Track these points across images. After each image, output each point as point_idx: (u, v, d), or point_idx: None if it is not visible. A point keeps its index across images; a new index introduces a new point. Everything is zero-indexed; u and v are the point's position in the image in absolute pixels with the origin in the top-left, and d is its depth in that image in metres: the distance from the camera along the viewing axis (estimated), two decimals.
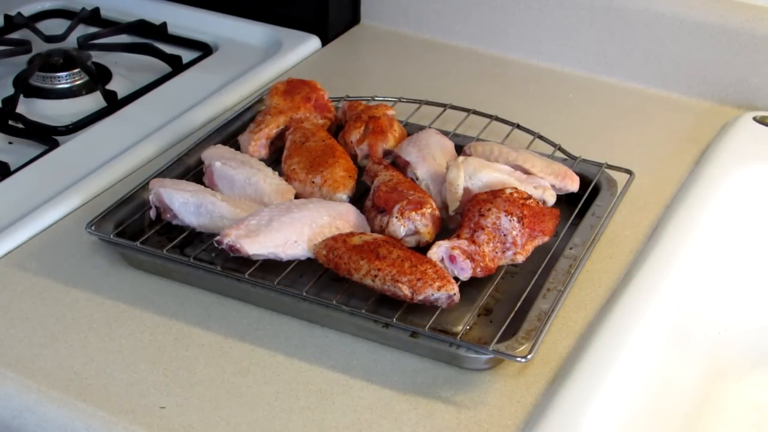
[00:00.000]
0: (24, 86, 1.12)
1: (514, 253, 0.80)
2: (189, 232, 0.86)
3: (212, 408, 0.71)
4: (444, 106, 1.04)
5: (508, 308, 0.78)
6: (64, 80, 1.14)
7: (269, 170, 0.90)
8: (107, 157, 0.99)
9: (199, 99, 1.10)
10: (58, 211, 0.91)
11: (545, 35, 1.20)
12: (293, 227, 0.80)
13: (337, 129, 0.99)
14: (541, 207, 0.83)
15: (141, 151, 1.00)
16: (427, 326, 0.74)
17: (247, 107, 1.04)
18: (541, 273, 0.80)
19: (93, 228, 0.84)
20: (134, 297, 0.82)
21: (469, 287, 0.80)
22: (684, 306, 0.85)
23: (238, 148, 0.96)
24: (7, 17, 1.29)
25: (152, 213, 0.87)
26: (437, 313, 0.76)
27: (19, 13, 1.30)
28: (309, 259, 0.81)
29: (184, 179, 0.91)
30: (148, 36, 1.26)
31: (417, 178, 0.89)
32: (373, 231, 0.84)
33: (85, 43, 1.22)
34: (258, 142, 0.95)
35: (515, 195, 0.81)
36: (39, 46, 1.21)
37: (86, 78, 1.15)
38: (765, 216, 0.96)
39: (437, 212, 0.83)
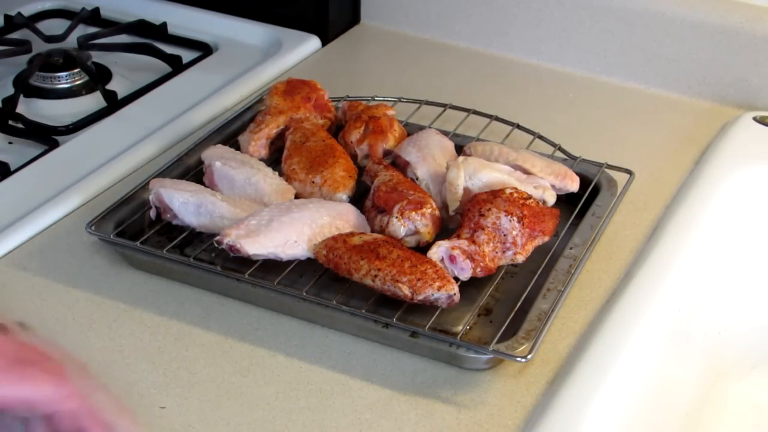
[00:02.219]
0: (24, 86, 1.11)
1: (514, 253, 0.80)
2: (189, 232, 0.86)
3: (212, 408, 0.71)
4: (444, 106, 1.04)
5: (508, 308, 0.78)
6: (64, 80, 1.14)
7: (269, 170, 0.90)
8: (107, 157, 0.99)
9: (199, 99, 1.10)
10: (58, 211, 0.91)
11: (545, 35, 1.20)
12: (293, 227, 0.80)
13: (337, 129, 0.99)
14: (541, 207, 0.83)
15: (141, 151, 1.00)
16: (427, 326, 0.74)
17: (247, 107, 1.04)
18: (541, 273, 0.80)
19: (93, 228, 0.84)
20: (134, 297, 0.82)
21: (469, 287, 0.80)
22: (684, 306, 0.85)
23: (238, 148, 0.96)
24: (7, 17, 1.29)
25: (152, 213, 0.87)
26: (437, 313, 0.76)
27: (19, 13, 1.30)
28: (309, 259, 0.81)
29: (184, 179, 0.91)
30: (148, 36, 1.26)
31: (417, 178, 0.89)
32: (373, 231, 0.84)
33: (85, 43, 1.22)
34: (258, 142, 0.95)
35: (515, 195, 0.81)
36: (39, 46, 1.21)
37: (86, 78, 1.15)
38: (765, 216, 0.96)
39: (437, 212, 0.83)
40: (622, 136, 1.06)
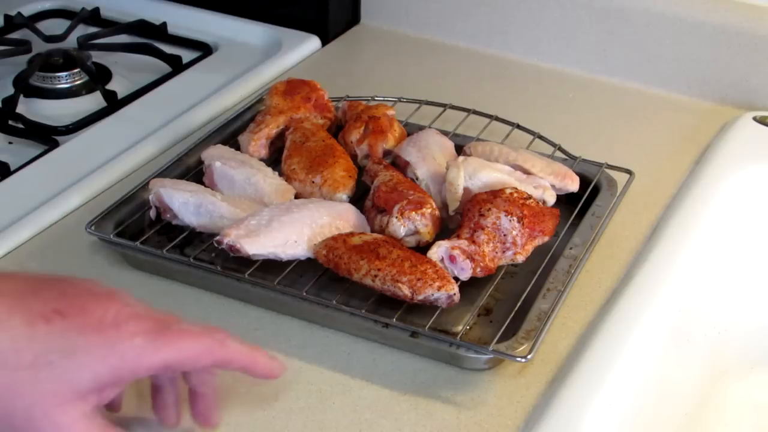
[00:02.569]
0: (24, 86, 1.12)
1: (514, 253, 0.80)
2: (189, 232, 0.86)
3: None
4: (444, 106, 1.04)
5: (508, 308, 0.78)
6: (64, 80, 1.14)
7: (269, 170, 0.91)
8: (107, 157, 0.99)
9: (199, 99, 1.10)
10: (58, 211, 0.91)
11: (545, 35, 1.20)
12: (293, 227, 0.80)
13: (337, 129, 0.99)
14: (541, 207, 0.83)
15: (141, 151, 1.00)
16: (427, 326, 0.74)
17: (247, 107, 1.04)
18: (541, 273, 0.80)
19: (93, 228, 0.84)
20: (134, 297, 0.82)
21: (469, 287, 0.80)
22: (684, 306, 0.85)
23: (238, 148, 0.96)
24: (7, 17, 1.29)
25: (152, 213, 0.87)
26: (437, 313, 0.76)
27: (19, 13, 1.30)
28: (309, 259, 0.81)
29: (184, 179, 0.91)
30: (148, 36, 1.26)
31: (417, 178, 0.89)
32: (373, 231, 0.84)
33: (85, 43, 1.22)
34: (258, 142, 0.95)
35: (515, 195, 0.81)
36: (39, 46, 1.21)
37: (86, 78, 1.15)
38: (765, 216, 0.96)
39: (437, 212, 0.83)
40: (622, 136, 1.06)
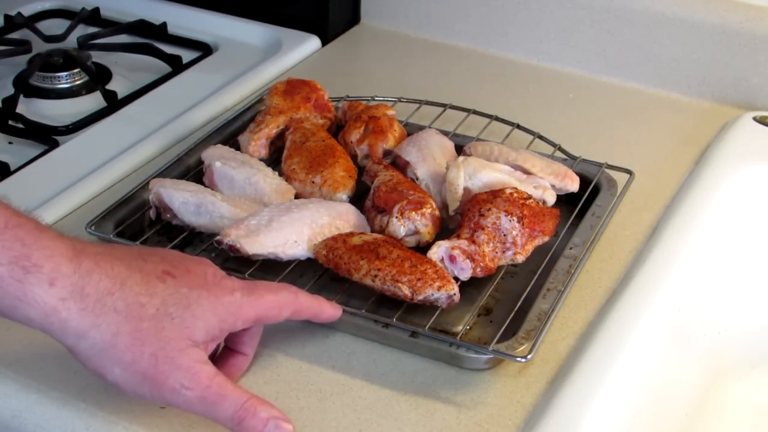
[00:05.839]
0: (24, 86, 1.12)
1: (514, 253, 0.80)
2: (189, 232, 0.86)
3: None
4: (444, 106, 1.04)
5: (508, 308, 0.78)
6: (64, 80, 1.14)
7: (269, 170, 0.91)
8: (107, 157, 0.99)
9: (199, 99, 1.10)
10: (58, 211, 0.91)
11: (545, 35, 1.20)
12: (293, 227, 0.80)
13: (337, 129, 0.99)
14: (541, 207, 0.83)
15: (141, 151, 1.00)
16: (427, 326, 0.74)
17: (247, 107, 1.04)
18: (541, 273, 0.80)
19: (93, 228, 0.84)
20: None
21: (469, 287, 0.80)
22: (684, 306, 0.85)
23: (238, 148, 0.96)
24: (7, 17, 1.29)
25: (152, 213, 0.87)
26: (437, 313, 0.76)
27: (19, 13, 1.30)
28: (309, 259, 0.81)
29: (184, 179, 0.91)
30: (148, 36, 1.26)
31: (417, 178, 0.89)
32: (373, 231, 0.84)
33: (85, 43, 1.22)
34: (258, 142, 0.95)
35: (515, 195, 0.81)
36: (39, 46, 1.21)
37: (86, 78, 1.15)
38: (765, 216, 0.96)
39: (437, 212, 0.83)
40: (622, 136, 1.06)
